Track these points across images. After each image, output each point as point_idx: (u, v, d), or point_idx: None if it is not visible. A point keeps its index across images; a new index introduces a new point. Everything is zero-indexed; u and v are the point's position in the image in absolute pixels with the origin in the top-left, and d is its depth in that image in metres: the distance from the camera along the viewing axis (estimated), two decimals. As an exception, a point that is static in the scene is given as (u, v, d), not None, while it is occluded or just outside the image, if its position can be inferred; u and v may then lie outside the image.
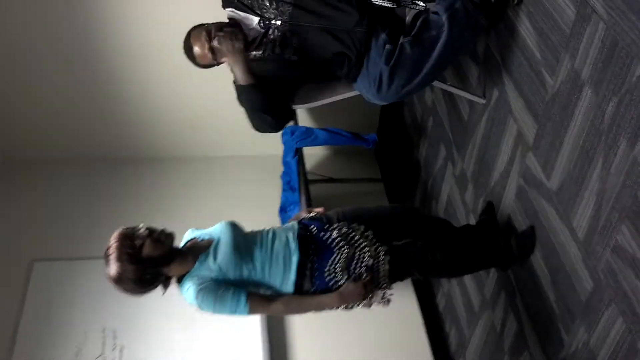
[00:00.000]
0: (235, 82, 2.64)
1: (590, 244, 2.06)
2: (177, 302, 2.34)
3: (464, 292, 3.20)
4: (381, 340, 3.43)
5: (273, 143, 3.99)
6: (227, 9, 2.68)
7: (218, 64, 2.62)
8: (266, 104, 2.63)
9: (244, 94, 2.63)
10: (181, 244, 2.40)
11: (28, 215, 4.00)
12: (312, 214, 2.51)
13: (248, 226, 2.53)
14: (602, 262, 2.00)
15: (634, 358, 1.86)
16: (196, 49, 2.58)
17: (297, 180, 3.79)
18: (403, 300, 3.49)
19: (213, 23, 2.61)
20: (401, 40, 2.48)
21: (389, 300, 2.40)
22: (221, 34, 2.54)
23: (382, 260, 2.34)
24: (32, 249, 3.74)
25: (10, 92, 4.04)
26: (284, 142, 3.82)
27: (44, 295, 3.51)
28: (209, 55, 2.57)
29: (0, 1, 3.61)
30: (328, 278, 2.32)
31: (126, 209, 4.02)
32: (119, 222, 3.75)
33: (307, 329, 3.47)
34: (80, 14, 3.70)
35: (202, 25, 2.62)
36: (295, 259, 2.31)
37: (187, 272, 2.27)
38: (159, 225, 2.30)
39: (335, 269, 2.32)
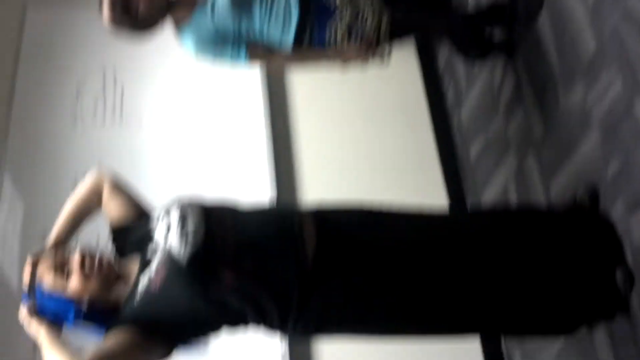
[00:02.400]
0: None
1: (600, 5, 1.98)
2: (177, 47, 2.35)
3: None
4: (379, 100, 3.43)
5: None
6: None
7: None
8: None
9: None
10: None
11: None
12: None
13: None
14: (609, 25, 1.94)
15: (627, 121, 1.89)
16: None
17: None
18: (402, 60, 3.43)
19: None
20: None
21: (389, 54, 2.39)
22: None
23: (385, 26, 2.31)
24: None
25: None
26: None
27: (42, 37, 3.40)
28: None
29: None
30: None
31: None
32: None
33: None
34: None
35: None
36: (295, 16, 2.25)
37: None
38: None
39: (336, 36, 2.30)
